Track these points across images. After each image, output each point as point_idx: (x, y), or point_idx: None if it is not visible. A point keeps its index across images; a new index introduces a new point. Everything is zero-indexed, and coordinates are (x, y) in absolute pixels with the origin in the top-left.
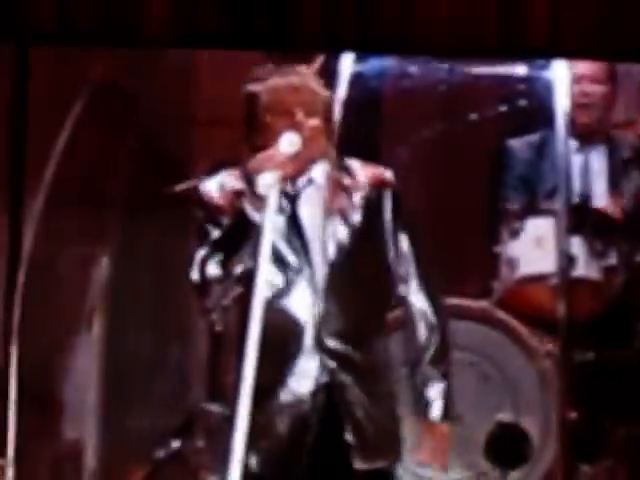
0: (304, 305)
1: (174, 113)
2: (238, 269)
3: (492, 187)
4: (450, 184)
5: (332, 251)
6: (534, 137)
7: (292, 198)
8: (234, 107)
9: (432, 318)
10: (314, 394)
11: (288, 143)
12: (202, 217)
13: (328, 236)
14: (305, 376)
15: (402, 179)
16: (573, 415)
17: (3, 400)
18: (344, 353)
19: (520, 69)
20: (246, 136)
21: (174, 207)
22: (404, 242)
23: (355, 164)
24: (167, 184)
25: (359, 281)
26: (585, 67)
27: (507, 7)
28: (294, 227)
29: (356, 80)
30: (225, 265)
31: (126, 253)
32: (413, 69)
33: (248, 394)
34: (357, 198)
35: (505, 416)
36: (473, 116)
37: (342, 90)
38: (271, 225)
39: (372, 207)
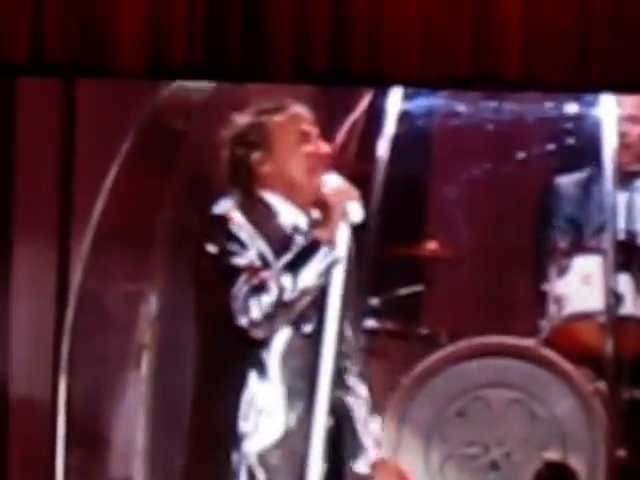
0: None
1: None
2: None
3: (540, 225)
4: (498, 222)
5: None
6: (581, 175)
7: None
8: None
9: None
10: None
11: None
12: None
13: None
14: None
15: (450, 217)
16: (621, 454)
17: (51, 437)
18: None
19: (569, 107)
20: (246, 166)
21: None
22: None
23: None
24: None
25: None
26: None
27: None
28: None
29: (404, 118)
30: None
31: (173, 290)
32: (461, 107)
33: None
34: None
35: (553, 455)
36: (521, 154)
37: (389, 128)
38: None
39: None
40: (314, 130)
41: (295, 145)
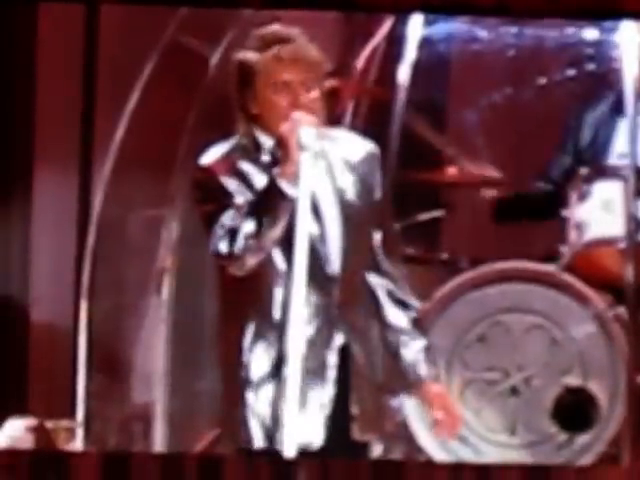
0: (319, 275)
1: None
2: (275, 234)
3: (560, 151)
4: (517, 148)
5: (342, 221)
6: (602, 101)
7: None
8: None
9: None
10: (337, 362)
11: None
12: (206, 193)
13: (337, 204)
14: (328, 344)
15: (469, 143)
16: None
17: (73, 362)
18: (355, 319)
19: (588, 33)
20: (239, 104)
21: None
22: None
23: (344, 135)
24: None
25: (360, 247)
26: None
27: None
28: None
29: (424, 44)
30: (259, 233)
31: (194, 215)
32: (482, 33)
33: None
34: (358, 170)
35: (573, 380)
36: (541, 80)
37: (410, 53)
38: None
39: (369, 184)
40: (298, 77)
41: (272, 93)
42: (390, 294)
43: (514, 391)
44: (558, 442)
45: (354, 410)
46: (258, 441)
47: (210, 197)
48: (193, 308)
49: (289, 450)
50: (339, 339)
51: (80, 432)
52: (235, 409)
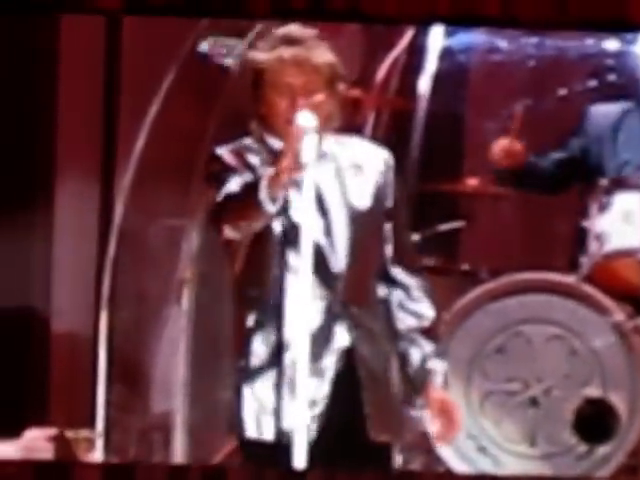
0: (324, 271)
1: None
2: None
3: (579, 158)
4: None
5: (349, 221)
6: (619, 104)
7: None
8: None
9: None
10: (337, 360)
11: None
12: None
13: (344, 207)
14: (328, 340)
15: (489, 154)
16: None
17: (93, 372)
18: (362, 320)
19: (610, 44)
20: (252, 103)
21: None
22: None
23: (358, 141)
24: None
25: (369, 250)
26: None
27: None
28: (316, 197)
29: (445, 54)
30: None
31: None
32: (502, 44)
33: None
34: (369, 175)
35: (592, 391)
36: (562, 91)
37: (431, 64)
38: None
39: (380, 189)
40: (299, 80)
41: (275, 94)
42: (401, 304)
43: (534, 402)
44: (578, 453)
45: (367, 410)
46: (251, 431)
47: (217, 180)
48: (213, 318)
49: (299, 457)
50: (342, 337)
51: (100, 442)
52: (235, 398)
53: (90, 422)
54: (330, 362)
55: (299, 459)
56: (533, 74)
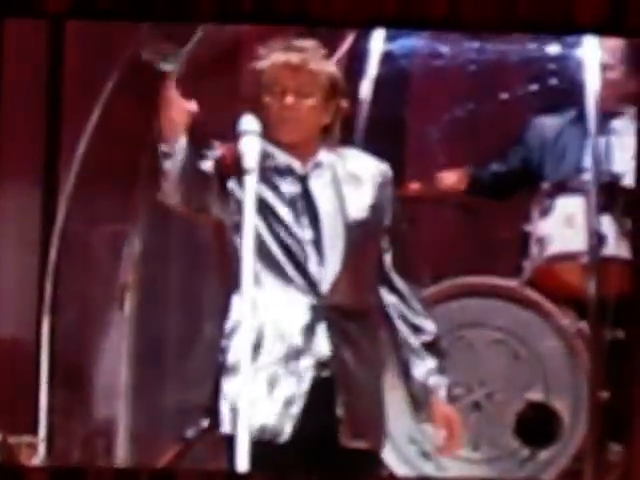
0: (311, 277)
1: (211, 90)
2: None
3: (519, 168)
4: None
5: (343, 229)
6: (562, 115)
7: (302, 178)
8: None
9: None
10: (315, 364)
11: (247, 123)
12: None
13: (339, 215)
14: (308, 346)
15: (431, 158)
16: (604, 394)
17: (35, 377)
18: (346, 325)
19: (551, 48)
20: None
21: None
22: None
23: (355, 153)
24: None
25: (363, 260)
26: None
27: None
28: (306, 202)
29: (386, 59)
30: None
31: (156, 231)
32: (443, 48)
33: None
34: (367, 187)
35: (535, 395)
36: (503, 95)
37: (372, 69)
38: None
39: (378, 199)
40: (288, 83)
41: (265, 95)
42: (403, 317)
43: (476, 406)
44: (521, 457)
45: (340, 414)
46: (226, 427)
47: None
48: (155, 324)
49: (241, 459)
50: (323, 342)
51: (42, 448)
52: (212, 394)
53: (33, 428)
54: (309, 364)
55: (242, 461)
56: (474, 78)
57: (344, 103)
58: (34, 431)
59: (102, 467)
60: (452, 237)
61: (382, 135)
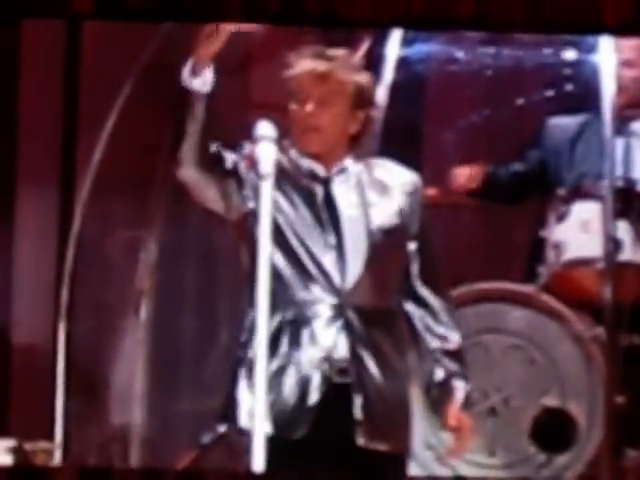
0: (331, 277)
1: (227, 95)
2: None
3: (537, 170)
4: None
5: (366, 233)
6: (576, 121)
7: (325, 181)
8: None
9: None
10: (334, 364)
11: (262, 129)
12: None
13: (362, 220)
14: (324, 345)
15: (447, 164)
16: (620, 399)
17: (52, 383)
18: (367, 328)
19: (567, 53)
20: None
21: None
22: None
23: (385, 162)
24: None
25: (386, 265)
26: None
27: None
28: (328, 207)
29: (402, 64)
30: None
31: (172, 237)
32: (459, 54)
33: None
34: (394, 195)
35: (551, 400)
36: (519, 101)
37: (388, 74)
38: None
39: (405, 207)
40: (319, 90)
41: (290, 101)
42: (427, 327)
43: (493, 412)
44: (537, 463)
45: (357, 414)
46: (244, 421)
47: None
48: (171, 329)
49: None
50: (342, 345)
51: (58, 454)
52: (231, 389)
53: (49, 434)
54: (327, 363)
55: (258, 462)
56: (491, 84)
57: (374, 113)
58: (50, 437)
59: (126, 468)
60: (468, 243)
61: (398, 140)
